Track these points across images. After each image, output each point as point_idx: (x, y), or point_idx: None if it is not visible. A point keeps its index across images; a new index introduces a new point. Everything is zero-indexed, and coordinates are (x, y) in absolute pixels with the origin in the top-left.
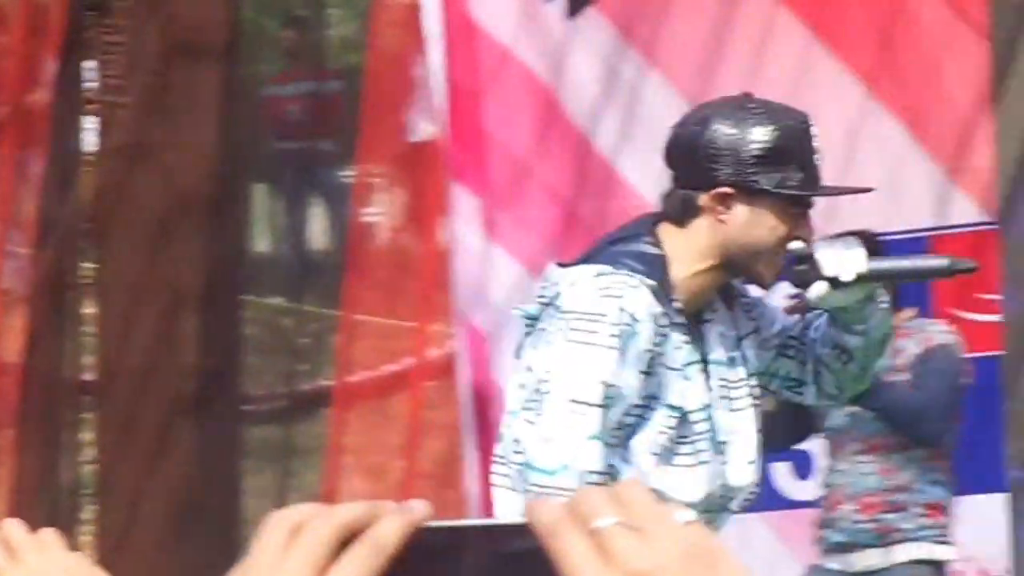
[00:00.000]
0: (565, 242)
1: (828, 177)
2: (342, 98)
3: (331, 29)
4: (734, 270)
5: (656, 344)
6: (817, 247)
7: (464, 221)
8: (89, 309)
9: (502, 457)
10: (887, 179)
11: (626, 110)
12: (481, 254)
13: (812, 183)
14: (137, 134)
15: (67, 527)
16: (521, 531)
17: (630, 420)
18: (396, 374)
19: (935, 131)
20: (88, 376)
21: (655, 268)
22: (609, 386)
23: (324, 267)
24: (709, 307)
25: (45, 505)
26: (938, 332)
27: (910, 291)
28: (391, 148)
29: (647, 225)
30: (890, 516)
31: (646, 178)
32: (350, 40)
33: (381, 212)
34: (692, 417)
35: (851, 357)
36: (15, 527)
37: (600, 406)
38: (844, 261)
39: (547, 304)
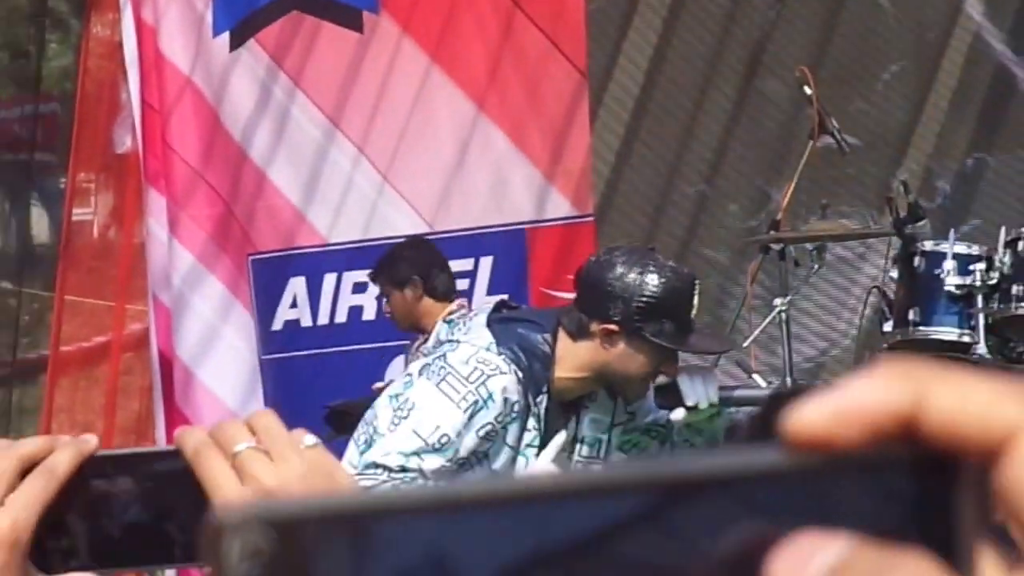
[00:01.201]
0: (224, 235)
1: (432, 180)
2: (58, 118)
3: (50, 60)
4: (605, 384)
5: (500, 422)
6: (680, 379)
7: (155, 219)
8: None
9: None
10: (493, 181)
11: (276, 125)
12: (166, 245)
13: (683, 336)
14: None
15: None
16: (174, 455)
17: (453, 469)
18: (100, 345)
19: (534, 142)
20: None
21: (537, 363)
22: (446, 437)
23: (43, 257)
24: (588, 397)
25: None
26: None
27: (506, 267)
28: (99, 159)
29: (553, 323)
30: None
31: (291, 182)
32: (65, 69)
33: (90, 211)
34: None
35: (694, 446)
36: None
37: (431, 448)
38: (701, 393)
39: (448, 341)
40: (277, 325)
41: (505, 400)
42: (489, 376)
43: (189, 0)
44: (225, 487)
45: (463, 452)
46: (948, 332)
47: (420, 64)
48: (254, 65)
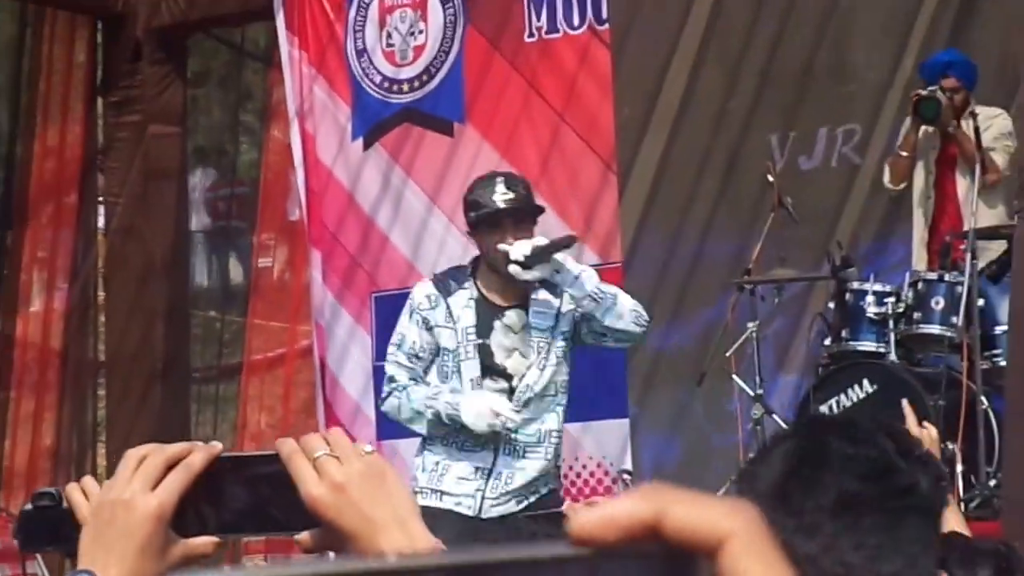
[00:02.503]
0: (351, 281)
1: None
2: (248, 196)
3: (242, 155)
4: (496, 271)
5: (423, 310)
6: (511, 246)
7: (314, 267)
8: (101, 317)
9: None
10: None
11: (393, 202)
12: (321, 286)
13: (491, 217)
14: (125, 219)
15: (85, 465)
16: (274, 458)
17: (425, 357)
18: (279, 354)
19: (572, 214)
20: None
21: (455, 274)
22: (399, 335)
23: (238, 293)
24: (532, 293)
25: (72, 452)
26: None
27: None
28: (277, 224)
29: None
30: None
31: (403, 242)
32: (253, 162)
33: (271, 260)
34: (453, 352)
35: (592, 311)
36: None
37: (396, 346)
38: (518, 249)
39: None
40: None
41: (424, 295)
42: (414, 288)
43: (335, 115)
44: (308, 481)
45: (414, 342)
46: (868, 345)
47: (493, 159)
48: (378, 160)
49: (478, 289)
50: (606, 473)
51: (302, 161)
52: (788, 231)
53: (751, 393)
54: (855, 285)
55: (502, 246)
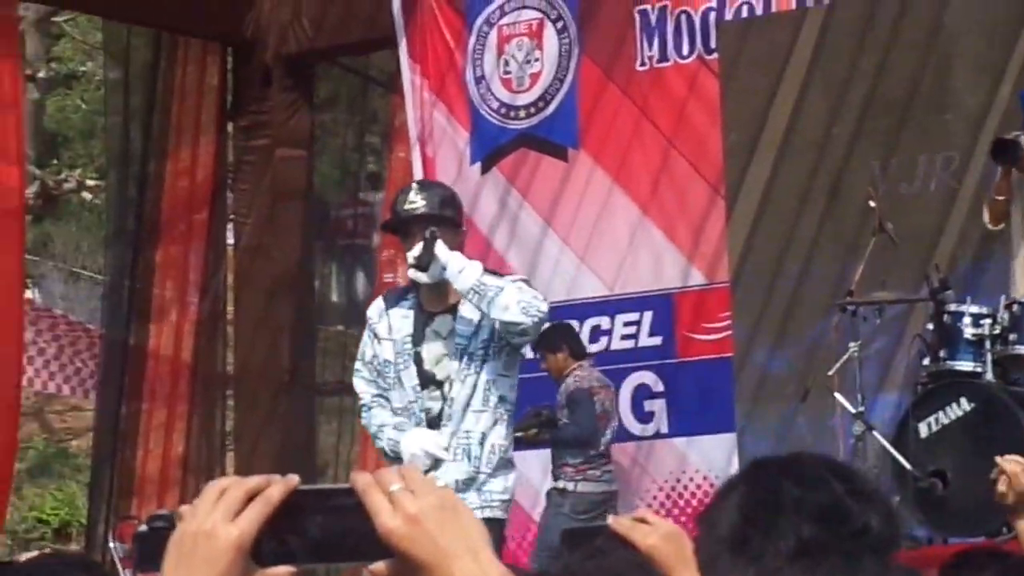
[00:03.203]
0: None
1: (612, 260)
2: (372, 215)
3: (366, 176)
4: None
5: (371, 324)
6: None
7: None
8: (230, 331)
9: None
10: (652, 261)
11: (510, 225)
12: None
13: (396, 224)
14: (254, 238)
15: (214, 473)
16: (350, 492)
17: (381, 369)
18: None
19: (680, 236)
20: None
21: (407, 287)
22: (360, 350)
23: (364, 306)
24: (456, 304)
25: (202, 461)
26: (575, 379)
27: (661, 319)
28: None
29: None
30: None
31: (520, 262)
32: (376, 182)
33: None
34: (393, 363)
35: (478, 304)
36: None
37: (359, 359)
38: (411, 253)
39: None
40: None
41: (374, 309)
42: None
43: (454, 140)
44: (384, 514)
45: (369, 355)
46: (966, 365)
47: (605, 183)
48: (496, 184)
49: (418, 299)
50: (712, 485)
51: None
52: (889, 254)
53: (852, 410)
54: (953, 307)
55: (408, 254)
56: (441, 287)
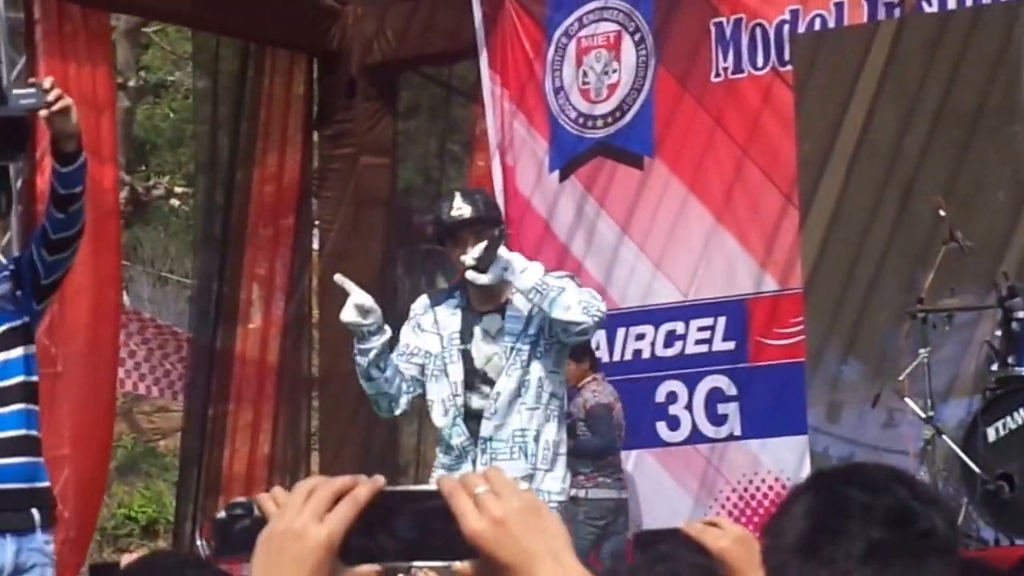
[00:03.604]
0: None
1: (687, 266)
2: None
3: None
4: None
5: (414, 317)
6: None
7: None
8: (315, 334)
9: None
10: (725, 268)
11: (587, 232)
12: None
13: (444, 232)
14: (338, 242)
15: (299, 473)
16: (436, 494)
17: (417, 360)
18: None
19: (753, 243)
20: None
21: (451, 287)
22: (400, 342)
23: None
24: (505, 303)
25: (287, 461)
26: (593, 393)
27: (734, 324)
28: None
29: None
30: None
31: (596, 268)
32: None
33: None
34: (439, 355)
35: (539, 304)
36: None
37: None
38: (469, 255)
39: None
40: None
41: (419, 304)
42: (416, 302)
43: (533, 149)
44: (470, 516)
45: (407, 344)
46: None
47: (680, 191)
48: (573, 191)
49: (466, 299)
50: (783, 487)
51: (503, 191)
52: (958, 262)
53: (922, 415)
54: (1021, 314)
55: (463, 257)
56: (491, 287)
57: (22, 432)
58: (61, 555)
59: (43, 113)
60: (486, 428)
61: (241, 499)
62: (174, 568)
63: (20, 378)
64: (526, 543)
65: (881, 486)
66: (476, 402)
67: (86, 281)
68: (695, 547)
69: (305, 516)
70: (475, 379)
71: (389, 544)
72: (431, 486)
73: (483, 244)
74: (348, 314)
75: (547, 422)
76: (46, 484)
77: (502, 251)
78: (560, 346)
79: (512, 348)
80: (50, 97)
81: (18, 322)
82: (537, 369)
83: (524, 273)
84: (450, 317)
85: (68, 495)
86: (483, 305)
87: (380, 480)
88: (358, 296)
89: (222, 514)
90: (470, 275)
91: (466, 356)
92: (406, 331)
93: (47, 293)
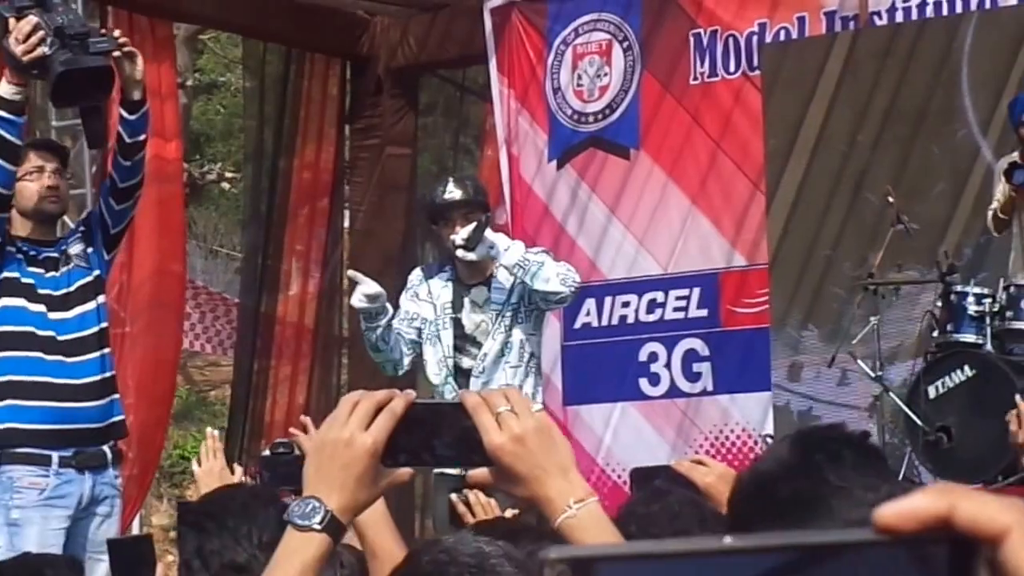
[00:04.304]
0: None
1: (667, 244)
2: None
3: (462, 171)
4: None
5: (411, 287)
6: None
7: None
8: (345, 300)
9: None
10: (700, 245)
11: (580, 213)
12: None
13: (436, 212)
14: (366, 222)
15: None
16: (460, 407)
17: (417, 324)
18: None
19: (724, 224)
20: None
21: (441, 261)
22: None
23: None
24: (490, 277)
25: (321, 409)
26: None
27: (708, 294)
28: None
29: None
30: None
31: (588, 245)
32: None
33: None
34: (433, 321)
35: (522, 277)
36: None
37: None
38: (459, 235)
39: None
40: (577, 325)
41: (415, 276)
42: (412, 274)
43: (534, 141)
44: (491, 431)
45: (406, 311)
46: (969, 337)
47: (661, 179)
48: (568, 179)
49: (455, 272)
50: (750, 436)
51: (508, 178)
52: (904, 243)
53: (871, 375)
54: (959, 288)
55: (453, 236)
56: (478, 263)
57: (99, 377)
58: (127, 489)
59: (115, 54)
60: (474, 384)
61: (283, 439)
62: (248, 496)
63: (96, 328)
64: (540, 459)
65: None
66: (465, 362)
67: (152, 251)
68: (685, 482)
69: (352, 426)
70: (464, 343)
71: (419, 450)
72: (455, 400)
73: (472, 226)
74: (357, 300)
75: (527, 377)
76: (120, 417)
77: (488, 233)
78: (538, 312)
79: (498, 315)
80: (120, 40)
81: (91, 277)
82: (518, 333)
83: (508, 251)
84: (442, 289)
85: (132, 438)
86: (471, 278)
87: (412, 394)
88: (367, 286)
89: (267, 452)
90: (459, 253)
91: (456, 323)
92: (405, 299)
93: (116, 242)
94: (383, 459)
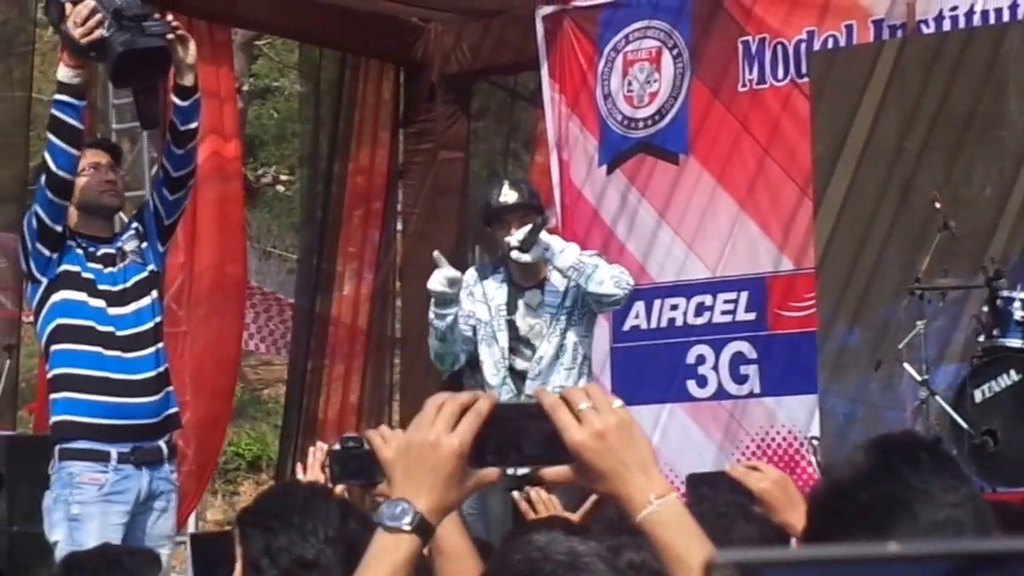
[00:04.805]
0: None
1: (715, 248)
2: None
3: (512, 176)
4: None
5: (466, 287)
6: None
7: None
8: (398, 302)
9: None
10: (748, 249)
11: (630, 217)
12: None
13: (491, 215)
14: (419, 225)
15: (383, 418)
16: (540, 406)
17: (472, 322)
18: None
19: (772, 229)
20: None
21: (495, 262)
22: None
23: None
24: (544, 280)
25: (373, 408)
26: None
27: (755, 298)
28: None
29: None
30: None
31: (637, 249)
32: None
33: None
34: (487, 322)
35: (577, 279)
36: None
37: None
38: (514, 237)
39: None
40: (626, 327)
41: (470, 276)
42: (467, 274)
43: (585, 146)
44: (572, 428)
45: (464, 308)
46: (1015, 342)
47: (710, 184)
48: (618, 183)
49: (509, 274)
50: (795, 438)
51: (559, 182)
52: (951, 248)
53: (918, 378)
54: (1005, 293)
55: (507, 238)
56: (532, 265)
57: (154, 372)
58: (184, 485)
59: (169, 37)
60: (530, 386)
61: (353, 434)
62: (308, 493)
63: (151, 323)
64: (621, 455)
65: None
66: (520, 364)
67: (212, 248)
68: (737, 488)
69: (438, 428)
70: (519, 344)
71: (504, 449)
72: (535, 400)
73: (527, 228)
74: (435, 283)
75: (580, 378)
76: (175, 409)
77: (543, 235)
78: (591, 315)
79: (552, 318)
80: (173, 24)
81: (145, 273)
82: (572, 336)
83: (562, 253)
84: (496, 290)
85: (190, 435)
86: (525, 281)
87: (494, 395)
88: (447, 270)
89: (337, 446)
90: (514, 254)
91: (511, 325)
92: (461, 297)
93: (170, 233)
94: (470, 460)
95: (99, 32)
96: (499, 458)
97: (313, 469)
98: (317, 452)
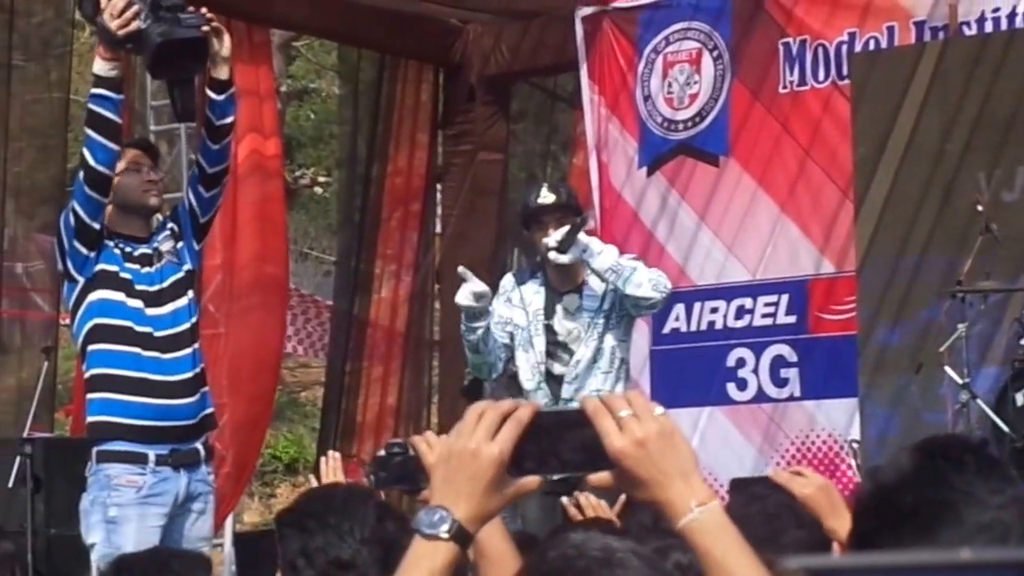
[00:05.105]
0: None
1: (755, 250)
2: None
3: (550, 178)
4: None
5: (504, 292)
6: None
7: None
8: (437, 305)
9: None
10: (789, 252)
11: (670, 220)
12: None
13: (530, 217)
14: (457, 226)
15: (421, 421)
16: (582, 413)
17: (509, 329)
18: None
19: (813, 231)
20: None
21: (532, 267)
22: (493, 308)
23: None
24: (582, 284)
25: (411, 410)
26: None
27: (796, 301)
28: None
29: None
30: None
31: (677, 252)
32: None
33: None
34: (525, 328)
35: (615, 282)
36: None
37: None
38: (552, 237)
39: None
40: (666, 330)
41: (507, 282)
42: (504, 279)
43: (624, 148)
44: (613, 435)
45: (500, 315)
46: None
47: (750, 186)
48: (658, 185)
49: (547, 278)
50: (835, 441)
51: (598, 184)
52: (992, 250)
53: (959, 381)
54: None
55: (545, 240)
56: (569, 269)
57: (191, 373)
58: (222, 487)
59: (204, 29)
60: (567, 391)
61: (397, 439)
62: (346, 494)
63: (188, 324)
64: (662, 463)
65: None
66: (557, 368)
67: (253, 247)
68: (782, 492)
69: (479, 436)
70: (556, 349)
71: (545, 457)
72: (577, 407)
73: (565, 228)
74: (463, 297)
75: (617, 382)
76: (211, 410)
77: (581, 236)
78: (628, 318)
79: (590, 322)
80: (208, 16)
81: (181, 273)
82: (610, 339)
83: (600, 255)
84: (534, 295)
85: (228, 437)
86: (563, 285)
87: (536, 403)
88: (475, 284)
89: (382, 452)
90: (551, 255)
91: (549, 330)
92: (498, 304)
93: (205, 231)
94: (510, 468)
95: (136, 24)
96: (539, 465)
97: (327, 478)
98: (331, 461)
